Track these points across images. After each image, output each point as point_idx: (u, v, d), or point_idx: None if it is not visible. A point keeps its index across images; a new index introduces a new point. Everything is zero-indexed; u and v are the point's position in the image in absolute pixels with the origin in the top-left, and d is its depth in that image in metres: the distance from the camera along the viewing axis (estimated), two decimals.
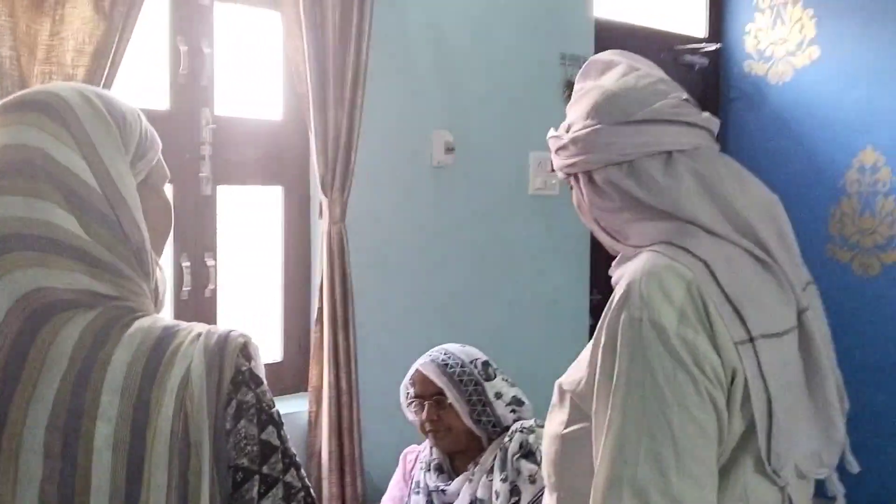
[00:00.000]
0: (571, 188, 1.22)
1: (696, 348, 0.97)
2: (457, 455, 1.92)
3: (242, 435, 0.86)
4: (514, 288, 2.95)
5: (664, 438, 0.95)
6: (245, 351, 0.87)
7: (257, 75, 2.52)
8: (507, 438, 1.81)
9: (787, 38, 3.63)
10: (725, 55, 3.82)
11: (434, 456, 1.96)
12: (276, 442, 0.88)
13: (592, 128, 1.11)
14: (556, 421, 1.14)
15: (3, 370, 0.80)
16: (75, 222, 0.85)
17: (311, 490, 0.89)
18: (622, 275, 1.07)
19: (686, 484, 0.94)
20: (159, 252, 0.99)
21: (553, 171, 1.24)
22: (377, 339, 2.55)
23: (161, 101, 2.28)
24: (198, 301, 2.32)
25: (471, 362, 1.90)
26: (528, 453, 1.77)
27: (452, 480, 1.89)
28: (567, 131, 1.17)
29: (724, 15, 3.85)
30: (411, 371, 1.93)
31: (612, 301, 1.04)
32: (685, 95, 1.15)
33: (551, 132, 1.23)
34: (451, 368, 1.86)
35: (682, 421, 0.95)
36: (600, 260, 3.27)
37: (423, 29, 2.68)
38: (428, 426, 1.89)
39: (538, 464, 1.71)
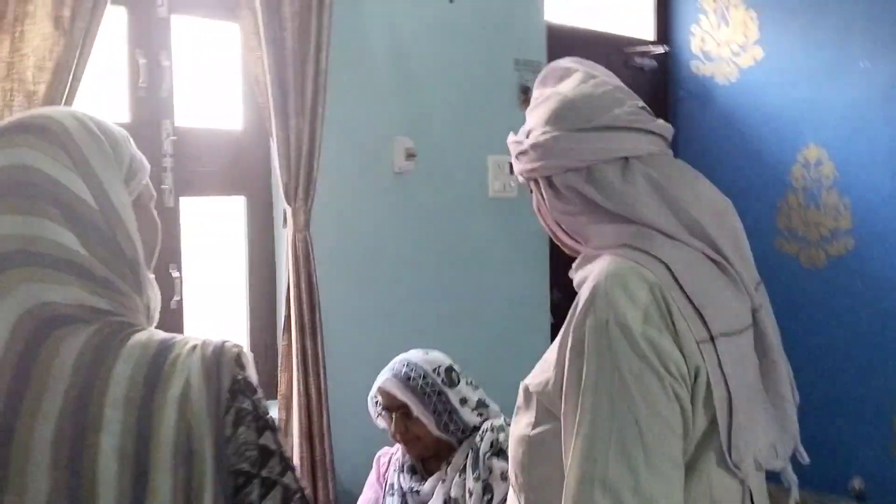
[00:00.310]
0: (531, 192, 1.25)
1: (661, 348, 1.00)
2: (429, 458, 1.96)
3: (242, 441, 0.89)
4: (476, 289, 3.01)
5: (633, 437, 0.98)
6: (239, 361, 0.91)
7: (217, 86, 2.53)
8: (477, 438, 1.86)
9: (732, 40, 3.75)
10: (673, 57, 3.93)
11: (407, 458, 2.00)
12: (273, 446, 0.91)
13: (551, 134, 1.15)
14: (522, 423, 1.16)
15: (10, 384, 0.83)
16: (74, 239, 0.89)
17: (305, 492, 0.93)
18: (585, 277, 1.11)
19: (655, 480, 0.97)
20: (150, 268, 1.02)
21: (513, 174, 1.28)
22: (344, 345, 2.58)
23: (121, 113, 2.29)
24: (164, 312, 2.31)
25: (433, 370, 1.93)
26: (499, 451, 1.82)
27: (425, 481, 1.93)
28: (527, 136, 1.20)
29: (670, 17, 3.96)
30: (375, 386, 1.96)
31: (578, 304, 1.06)
32: (641, 103, 1.19)
33: (511, 137, 1.26)
34: (413, 381, 1.89)
35: (650, 419, 0.99)
36: (559, 260, 3.34)
37: (382, 37, 2.72)
38: (398, 437, 1.93)
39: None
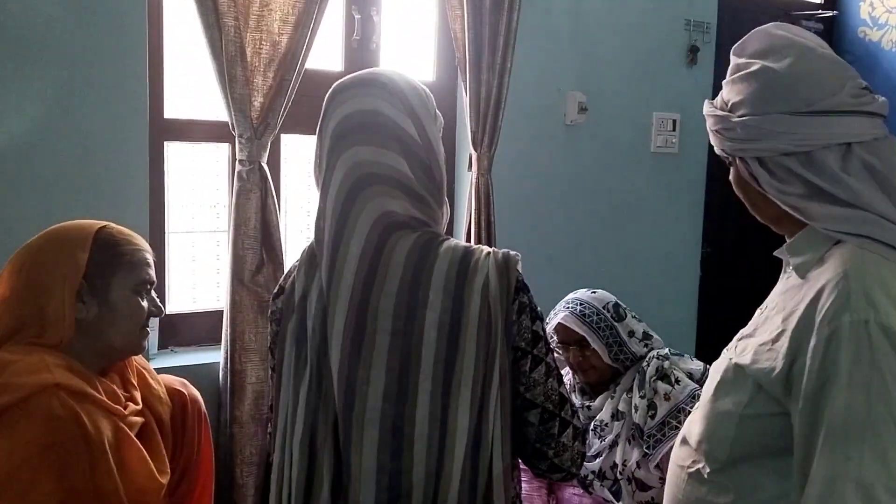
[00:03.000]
0: (730, 164, 1.20)
1: None
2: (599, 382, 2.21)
3: (522, 326, 1.17)
4: (634, 237, 3.21)
5: (890, 437, 0.96)
6: (518, 265, 1.19)
7: (415, 41, 2.80)
8: (644, 364, 2.09)
9: None
10: (841, 21, 3.92)
11: (578, 380, 2.26)
12: (542, 333, 1.19)
13: (766, 115, 1.09)
14: (727, 400, 1.15)
15: (368, 267, 1.14)
16: (406, 165, 1.18)
17: (559, 370, 1.21)
18: (814, 262, 1.09)
19: None
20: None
21: (719, 152, 1.20)
22: None
23: (335, 63, 2.60)
24: None
25: (603, 307, 2.16)
26: (663, 376, 2.05)
27: (595, 399, 2.18)
28: (728, 109, 1.15)
29: None
30: (554, 321, 2.20)
31: (825, 298, 1.03)
32: (863, 82, 1.13)
33: (708, 107, 1.20)
34: (588, 317, 2.14)
35: None
36: (713, 217, 3.49)
37: None
38: (576, 366, 2.18)
39: (672, 385, 1.99)
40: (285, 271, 2.25)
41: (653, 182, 3.24)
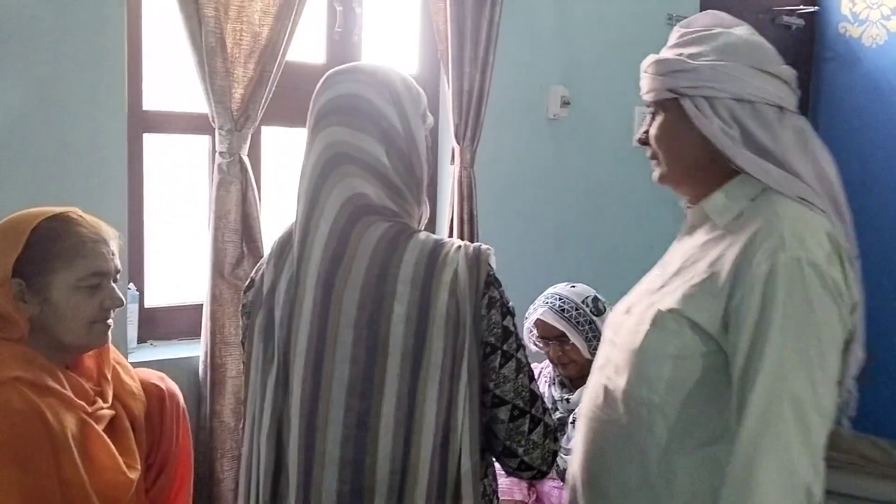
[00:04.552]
0: (656, 115, 1.30)
1: (840, 289, 1.14)
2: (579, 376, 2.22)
3: (492, 321, 1.16)
4: (615, 230, 3.22)
5: (818, 360, 1.11)
6: (490, 260, 1.18)
7: (397, 33, 2.79)
8: None
9: (883, 2, 3.75)
10: (821, 17, 3.95)
11: (558, 373, 2.27)
12: (512, 328, 1.19)
13: (728, 62, 1.22)
14: (661, 344, 1.22)
15: (334, 249, 1.13)
16: (384, 153, 1.17)
17: (531, 367, 1.20)
18: (743, 212, 1.21)
19: (827, 399, 1.12)
20: (423, 191, 1.30)
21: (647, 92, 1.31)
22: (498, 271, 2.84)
23: (318, 55, 2.58)
24: None
25: (582, 302, 2.17)
26: None
27: (574, 392, 2.19)
28: (685, 59, 1.24)
29: None
30: (533, 317, 2.20)
31: (761, 239, 1.14)
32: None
33: (662, 55, 1.29)
34: (567, 313, 2.14)
35: (828, 345, 1.13)
36: None
37: None
38: (555, 361, 2.19)
39: None
40: None
41: (635, 176, 3.24)
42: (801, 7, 3.85)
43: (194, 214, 2.48)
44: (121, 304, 1.46)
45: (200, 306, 2.28)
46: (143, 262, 2.33)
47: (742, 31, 1.28)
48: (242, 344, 1.27)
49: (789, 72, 1.27)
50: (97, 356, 1.48)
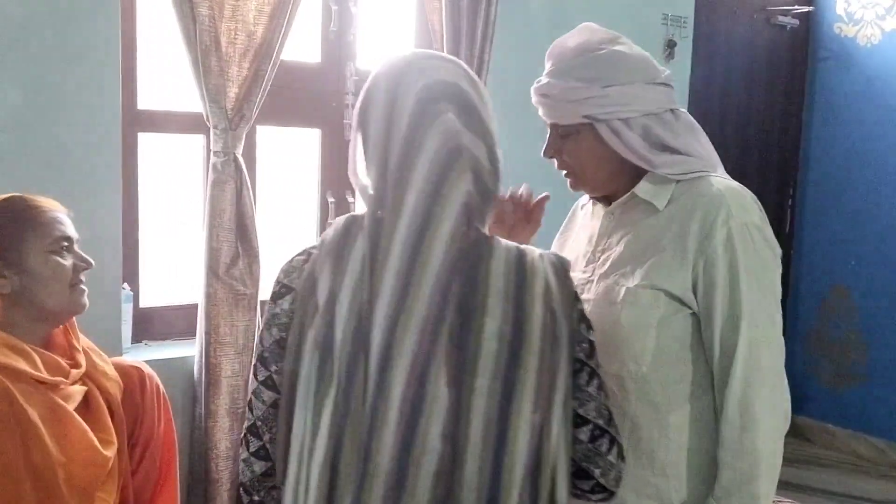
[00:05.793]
0: (562, 137, 1.37)
1: (774, 241, 1.31)
2: None
3: (581, 335, 1.08)
4: None
5: (775, 306, 1.30)
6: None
7: (392, 33, 2.79)
8: None
9: (878, 2, 3.76)
10: (816, 17, 3.95)
11: None
12: (595, 343, 1.11)
13: (632, 84, 1.31)
14: (642, 316, 1.29)
15: (461, 267, 1.02)
16: (485, 152, 1.06)
17: None
18: (682, 196, 1.31)
19: (781, 335, 1.31)
20: None
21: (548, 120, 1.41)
22: None
23: (313, 54, 2.58)
24: None
25: None
26: None
27: None
28: (586, 84, 1.31)
29: None
30: None
31: (713, 210, 1.26)
32: None
33: (557, 85, 1.34)
34: None
35: (777, 291, 1.31)
36: None
37: None
38: None
39: None
40: (262, 264, 2.28)
41: None
42: (796, 7, 3.86)
43: (189, 214, 2.47)
44: (91, 265, 1.47)
45: (195, 306, 2.28)
46: (137, 262, 2.33)
47: (624, 46, 1.37)
48: (264, 358, 1.10)
49: (671, 75, 1.39)
50: (65, 329, 1.49)
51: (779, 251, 1.33)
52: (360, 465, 0.98)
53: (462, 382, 0.98)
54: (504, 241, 1.07)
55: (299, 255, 1.11)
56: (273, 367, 1.10)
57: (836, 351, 3.91)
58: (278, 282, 1.11)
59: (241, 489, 1.16)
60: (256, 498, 1.14)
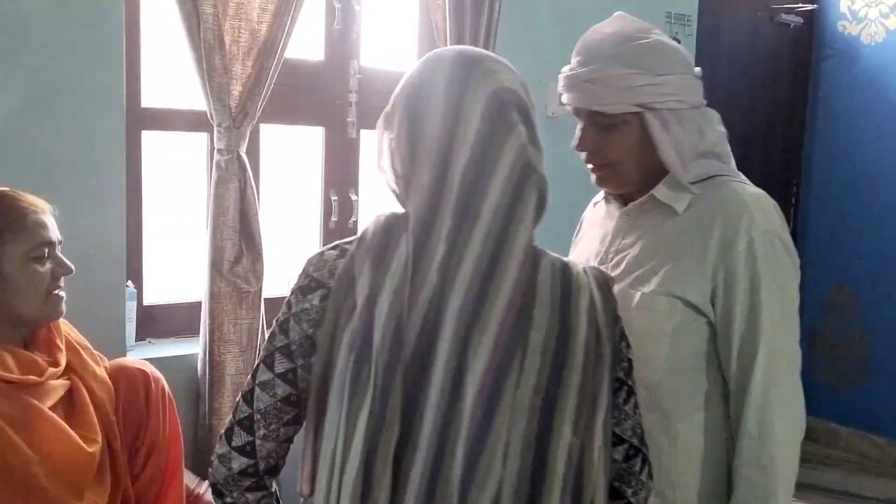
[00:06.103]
0: (603, 128, 1.32)
1: (794, 249, 1.29)
2: None
3: (623, 354, 1.06)
4: None
5: (794, 317, 1.28)
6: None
7: (396, 31, 2.79)
8: None
9: (881, 0, 3.75)
10: (820, 15, 3.95)
11: None
12: (633, 361, 1.09)
13: (680, 75, 1.29)
14: (655, 323, 1.27)
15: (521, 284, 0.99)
16: (543, 168, 1.05)
17: None
18: (702, 201, 1.28)
19: (798, 348, 1.28)
20: None
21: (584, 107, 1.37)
22: None
23: (317, 52, 2.58)
24: (342, 229, 2.64)
25: None
26: None
27: None
28: (647, 73, 1.28)
29: None
30: None
31: (736, 219, 1.24)
32: None
33: (615, 70, 1.29)
34: None
35: (797, 302, 1.29)
36: None
37: None
38: None
39: None
40: (265, 262, 2.28)
41: None
42: (800, 5, 3.85)
43: (193, 212, 2.47)
44: (70, 271, 1.44)
45: (199, 304, 2.28)
46: (141, 260, 2.33)
47: (664, 37, 1.35)
48: (290, 351, 1.04)
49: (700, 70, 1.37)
50: (47, 328, 1.46)
51: (798, 260, 1.30)
52: (391, 477, 0.96)
53: (501, 395, 0.95)
54: (548, 252, 1.04)
55: (331, 248, 1.07)
56: (300, 361, 1.04)
57: (839, 350, 3.91)
58: (307, 275, 1.05)
59: (212, 491, 1.09)
60: (229, 500, 1.07)
